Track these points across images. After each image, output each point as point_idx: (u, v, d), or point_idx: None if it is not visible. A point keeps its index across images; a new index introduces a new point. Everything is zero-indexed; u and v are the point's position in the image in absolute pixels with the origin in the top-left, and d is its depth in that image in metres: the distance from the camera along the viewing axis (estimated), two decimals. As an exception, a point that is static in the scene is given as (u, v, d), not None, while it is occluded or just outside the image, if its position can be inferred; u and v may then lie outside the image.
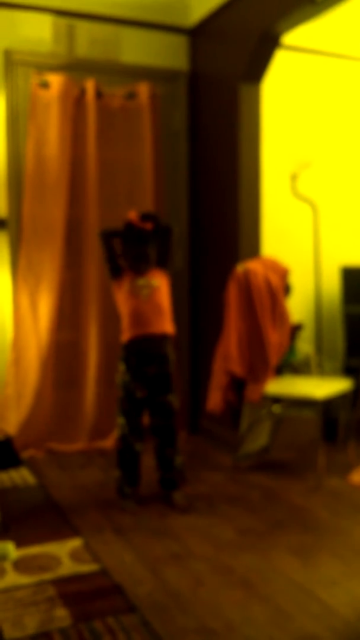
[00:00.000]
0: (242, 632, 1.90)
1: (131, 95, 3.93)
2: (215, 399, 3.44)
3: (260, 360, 3.39)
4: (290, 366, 3.76)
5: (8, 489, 3.14)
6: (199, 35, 4.05)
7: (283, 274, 3.59)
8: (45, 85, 3.70)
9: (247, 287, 3.35)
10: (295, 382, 3.52)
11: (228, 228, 3.82)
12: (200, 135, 4.12)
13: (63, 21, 3.79)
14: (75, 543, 2.50)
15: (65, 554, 2.40)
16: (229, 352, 3.35)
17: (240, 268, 3.37)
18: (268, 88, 3.85)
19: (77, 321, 3.89)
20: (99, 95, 3.84)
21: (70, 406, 3.88)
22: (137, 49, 4.01)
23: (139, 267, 2.87)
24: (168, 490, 2.97)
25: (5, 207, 3.73)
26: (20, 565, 2.31)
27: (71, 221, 3.82)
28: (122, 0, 3.88)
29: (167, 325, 2.91)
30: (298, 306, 4.12)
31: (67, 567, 2.29)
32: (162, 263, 2.94)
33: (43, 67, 3.73)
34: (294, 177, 4.15)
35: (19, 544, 2.45)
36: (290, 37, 3.62)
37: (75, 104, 3.78)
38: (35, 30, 3.73)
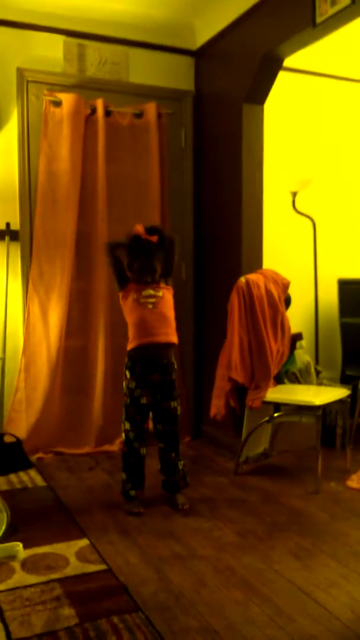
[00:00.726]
0: (243, 632, 1.87)
1: (139, 114, 3.94)
2: (217, 406, 3.43)
3: (262, 369, 3.37)
4: (290, 374, 3.73)
5: (17, 490, 3.11)
6: (204, 57, 4.06)
7: (284, 285, 3.58)
8: (57, 103, 3.71)
9: (249, 298, 3.34)
10: (295, 389, 3.50)
11: (231, 241, 3.81)
12: (205, 153, 4.12)
13: (74, 42, 3.81)
14: (81, 543, 2.47)
15: (72, 554, 2.37)
16: (231, 361, 3.33)
17: (242, 280, 3.35)
18: (270, 108, 3.85)
19: (85, 329, 3.88)
20: (108, 113, 3.85)
21: (78, 411, 3.86)
22: (145, 70, 4.02)
23: (145, 278, 2.84)
24: (171, 493, 2.95)
25: (18, 219, 3.73)
26: (28, 565, 2.28)
27: (81, 234, 3.82)
28: (130, 22, 3.89)
29: (171, 334, 2.88)
30: (298, 317, 4.11)
31: (74, 567, 2.27)
32: (167, 274, 2.92)
33: (54, 86, 3.74)
34: (294, 194, 4.15)
35: (27, 544, 2.43)
36: (292, 60, 3.62)
37: (85, 122, 3.79)
38: (47, 50, 3.74)
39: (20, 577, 2.19)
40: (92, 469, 3.47)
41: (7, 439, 3.50)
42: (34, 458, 3.59)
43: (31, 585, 2.13)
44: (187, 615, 1.96)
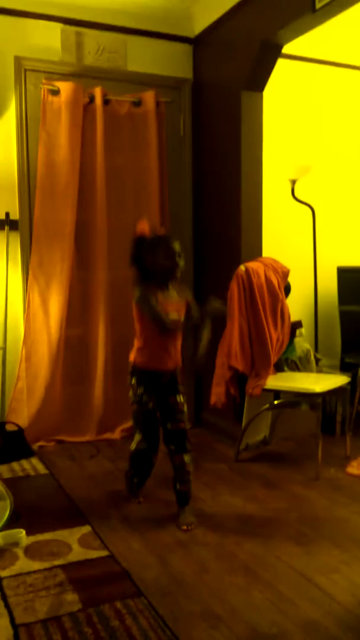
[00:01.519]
0: (245, 617, 1.88)
1: (137, 103, 3.91)
2: (217, 394, 3.42)
3: (261, 357, 3.37)
4: (290, 362, 3.73)
5: (20, 478, 3.12)
6: (203, 44, 4.03)
7: (283, 273, 3.57)
8: (55, 91, 3.68)
9: (248, 286, 3.33)
10: (295, 377, 3.50)
11: (230, 229, 3.79)
12: (203, 140, 4.09)
13: (72, 30, 3.77)
14: (84, 530, 2.48)
15: (74, 541, 2.38)
16: (231, 349, 3.33)
17: (242, 268, 3.34)
18: (269, 95, 3.82)
19: (86, 318, 3.87)
20: (106, 102, 3.82)
21: (79, 399, 3.86)
22: (143, 58, 3.98)
23: (168, 280, 2.62)
24: (180, 505, 2.67)
25: (17, 209, 3.71)
26: (31, 551, 2.29)
27: (80, 222, 3.80)
28: (128, 10, 3.86)
29: (179, 360, 2.70)
30: (297, 305, 4.10)
31: (77, 554, 2.28)
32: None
33: (52, 74, 3.71)
34: (293, 182, 4.13)
35: (30, 531, 2.43)
36: (291, 46, 3.59)
37: (84, 110, 3.76)
38: (44, 39, 3.71)
39: (23, 564, 2.20)
40: (94, 456, 3.48)
41: (9, 427, 3.50)
42: (35, 446, 3.59)
43: (34, 572, 2.14)
44: (189, 600, 1.97)
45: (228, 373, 3.35)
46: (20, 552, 2.28)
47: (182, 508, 2.63)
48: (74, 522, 2.56)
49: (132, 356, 2.70)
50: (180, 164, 4.12)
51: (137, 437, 2.77)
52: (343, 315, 4.32)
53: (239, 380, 3.40)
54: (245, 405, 3.39)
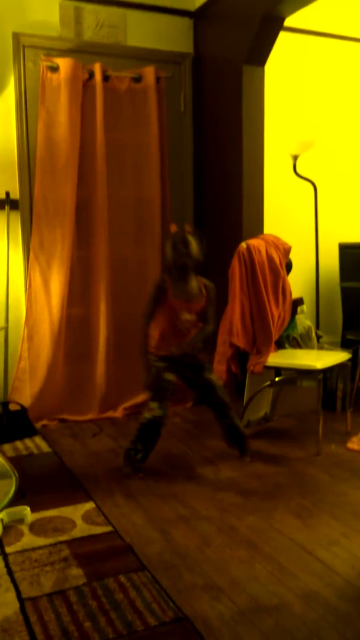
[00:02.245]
0: (247, 589, 1.91)
1: (137, 78, 3.87)
2: (219, 371, 3.44)
3: (263, 334, 3.38)
4: (291, 339, 3.75)
5: (23, 456, 3.16)
6: (203, 18, 3.97)
7: (285, 250, 3.56)
8: (54, 68, 3.65)
9: (250, 263, 3.33)
10: (296, 354, 3.52)
11: (232, 206, 3.78)
12: (204, 116, 4.06)
13: (70, 4, 3.72)
14: (88, 506, 2.52)
15: (78, 517, 2.42)
16: (233, 326, 3.34)
17: (243, 245, 3.34)
18: (271, 69, 3.78)
19: (87, 297, 3.88)
20: (106, 78, 3.79)
21: (81, 378, 3.88)
22: (143, 33, 3.94)
23: (183, 272, 2.80)
24: (236, 447, 3.07)
25: (17, 188, 3.70)
26: (36, 528, 2.33)
27: (81, 201, 3.79)
28: (127, -16, 3.80)
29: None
30: (299, 282, 4.10)
31: (81, 529, 2.31)
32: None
33: (51, 51, 3.68)
34: (295, 157, 4.10)
35: (35, 508, 2.47)
36: (293, 19, 3.54)
37: (83, 87, 3.73)
38: (42, 14, 3.66)
39: (28, 540, 2.24)
40: (97, 434, 3.52)
41: (12, 407, 3.53)
42: (38, 425, 3.63)
43: (39, 547, 2.18)
44: (192, 573, 2.01)
45: (229, 350, 3.37)
46: (25, 529, 2.32)
47: (238, 445, 3.04)
48: (78, 498, 2.60)
49: (151, 346, 2.91)
50: (180, 140, 4.09)
51: (154, 405, 2.86)
52: (344, 291, 4.33)
53: (240, 357, 3.41)
54: (247, 382, 3.41)
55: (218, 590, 1.91)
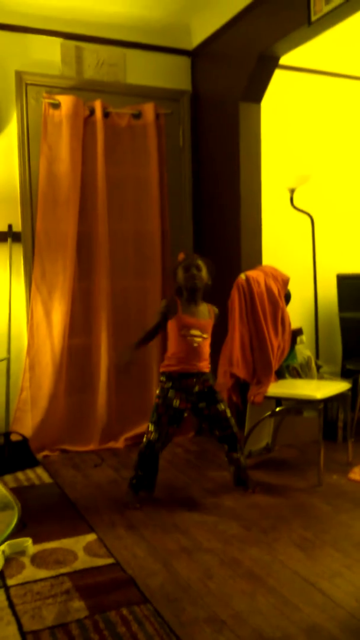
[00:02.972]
0: (250, 622, 1.90)
1: (137, 115, 3.97)
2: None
3: (263, 364, 3.40)
4: (291, 369, 3.76)
5: (25, 487, 3.15)
6: (201, 56, 4.09)
7: (283, 281, 3.60)
8: (55, 105, 3.74)
9: (249, 294, 3.37)
10: (296, 384, 3.53)
11: (230, 239, 3.83)
12: (203, 151, 4.14)
13: (71, 44, 3.83)
14: (89, 538, 2.51)
15: (80, 549, 2.41)
16: (233, 357, 3.36)
17: (242, 276, 3.38)
18: (267, 106, 3.88)
19: (88, 328, 3.91)
20: (106, 114, 3.88)
21: (83, 409, 3.89)
22: (142, 71, 4.04)
23: (193, 295, 2.91)
24: (242, 485, 3.05)
25: (20, 221, 3.76)
26: (38, 560, 2.31)
27: (82, 234, 3.85)
28: (126, 24, 3.92)
29: (204, 366, 2.96)
30: (298, 312, 4.13)
31: (83, 561, 2.30)
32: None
33: (53, 88, 3.77)
34: (292, 191, 4.17)
35: (36, 539, 2.46)
36: (288, 58, 3.64)
37: (84, 123, 3.82)
38: (44, 53, 3.77)
39: (30, 572, 2.22)
40: (98, 465, 3.51)
41: (14, 437, 3.53)
42: (40, 456, 3.62)
43: (41, 580, 2.16)
44: (194, 606, 1.99)
45: (230, 381, 3.38)
46: (26, 561, 2.31)
47: (243, 481, 3.03)
48: (79, 530, 2.59)
49: (162, 365, 2.98)
50: (180, 175, 4.17)
51: (151, 427, 2.89)
52: (343, 322, 4.36)
53: (240, 388, 3.43)
54: (247, 412, 3.42)
55: (221, 624, 1.89)
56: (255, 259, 3.78)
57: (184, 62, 4.17)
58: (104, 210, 3.86)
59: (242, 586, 2.12)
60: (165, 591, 2.09)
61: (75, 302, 3.84)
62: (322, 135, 4.51)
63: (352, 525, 2.61)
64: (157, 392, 2.93)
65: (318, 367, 3.94)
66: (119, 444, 3.84)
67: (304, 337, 3.90)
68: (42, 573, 2.21)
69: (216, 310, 3.03)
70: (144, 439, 2.91)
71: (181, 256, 3.00)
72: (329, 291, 4.38)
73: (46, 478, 3.28)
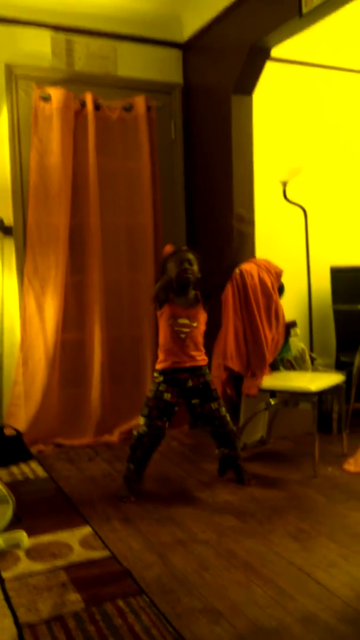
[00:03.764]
0: (246, 612, 1.90)
1: (128, 108, 3.95)
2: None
3: (257, 357, 3.41)
4: (285, 362, 3.77)
5: (19, 481, 3.14)
6: (192, 49, 4.07)
7: (277, 274, 3.60)
8: (46, 98, 3.72)
9: (243, 287, 3.37)
10: (291, 376, 3.53)
11: (223, 232, 3.83)
12: (194, 144, 4.13)
13: (61, 36, 3.81)
14: (85, 531, 2.51)
15: (75, 542, 2.41)
16: (227, 350, 3.36)
17: (236, 269, 3.38)
18: (259, 98, 3.87)
19: (81, 322, 3.90)
20: (97, 107, 3.86)
21: (76, 403, 3.89)
22: (133, 63, 4.03)
23: (184, 287, 2.91)
24: (239, 481, 3.06)
25: (11, 215, 3.74)
26: (33, 553, 2.31)
27: (74, 227, 3.83)
28: (117, 16, 3.90)
29: (200, 358, 2.96)
30: (291, 305, 4.13)
31: (78, 554, 2.30)
32: (206, 298, 2.99)
33: (43, 81, 3.75)
34: (284, 183, 4.17)
35: (32, 533, 2.46)
36: (280, 50, 3.64)
37: (75, 116, 3.80)
38: (35, 45, 3.75)
39: (25, 565, 2.22)
40: (92, 459, 3.51)
41: (8, 431, 3.53)
42: (34, 450, 3.61)
43: (37, 573, 2.16)
44: (190, 597, 2.00)
45: (224, 374, 3.38)
46: (22, 554, 2.31)
47: (239, 474, 3.04)
48: (74, 523, 2.59)
49: (156, 362, 2.98)
50: (171, 168, 4.16)
51: (141, 420, 2.90)
52: (337, 314, 4.37)
53: (235, 380, 3.43)
54: (242, 405, 3.42)
55: (217, 614, 1.90)
56: (249, 252, 3.77)
57: (176, 54, 4.15)
58: (95, 203, 3.84)
59: (237, 577, 2.12)
60: (161, 583, 2.09)
61: (67, 295, 3.83)
62: (315, 128, 4.51)
63: (347, 516, 2.63)
64: (150, 388, 2.94)
65: (312, 360, 3.95)
66: (114, 437, 3.84)
67: (298, 330, 3.91)
68: (38, 566, 2.21)
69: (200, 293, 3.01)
70: (134, 432, 2.92)
71: (168, 248, 2.99)
72: (323, 284, 4.39)
73: (40, 472, 3.28)
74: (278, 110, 4.34)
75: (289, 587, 2.06)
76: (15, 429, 3.56)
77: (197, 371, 2.93)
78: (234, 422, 3.49)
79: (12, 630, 1.82)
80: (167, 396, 2.88)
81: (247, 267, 3.43)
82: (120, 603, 1.95)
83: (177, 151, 4.16)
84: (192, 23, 4.00)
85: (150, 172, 3.98)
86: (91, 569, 2.18)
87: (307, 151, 4.42)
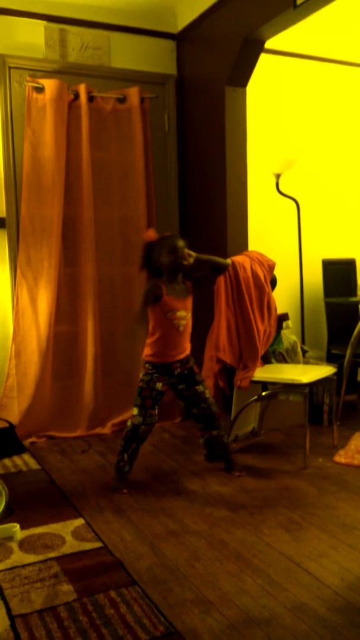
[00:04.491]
0: (237, 602, 1.92)
1: (122, 99, 3.93)
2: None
3: (249, 349, 3.42)
4: (277, 354, 3.78)
5: (12, 474, 3.15)
6: (186, 40, 4.05)
7: (269, 267, 3.61)
8: (39, 89, 3.69)
9: (235, 279, 3.37)
10: (282, 368, 3.55)
11: (216, 224, 3.83)
12: (188, 136, 4.12)
13: (55, 27, 3.78)
14: (77, 523, 2.51)
15: (68, 533, 2.41)
16: (219, 342, 3.36)
17: (228, 261, 3.37)
18: (253, 90, 3.86)
19: (74, 314, 3.89)
20: (91, 98, 3.84)
21: (69, 395, 3.89)
22: (127, 54, 4.00)
23: (175, 275, 2.88)
24: (214, 460, 3.12)
25: (4, 206, 3.72)
26: (26, 545, 2.32)
27: (67, 219, 3.82)
28: (111, 7, 3.87)
29: (188, 348, 2.99)
30: (283, 297, 4.15)
31: (71, 546, 2.31)
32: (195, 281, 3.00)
33: (36, 72, 3.72)
34: (277, 176, 4.17)
35: (24, 525, 2.47)
36: (274, 42, 3.63)
37: (68, 107, 3.78)
38: (28, 36, 3.72)
39: (18, 557, 2.23)
40: (85, 451, 3.51)
41: (0, 424, 3.52)
42: (27, 442, 3.62)
43: (29, 564, 2.17)
44: (182, 588, 2.01)
45: (216, 366, 3.39)
46: (14, 546, 2.31)
47: (228, 462, 3.07)
48: (67, 515, 2.60)
49: (144, 351, 2.96)
50: (165, 159, 4.15)
51: (134, 411, 2.91)
52: (328, 307, 4.38)
53: (227, 372, 3.44)
54: (234, 397, 3.43)
55: (208, 604, 1.91)
56: (241, 244, 3.78)
57: (169, 45, 4.13)
58: (89, 195, 3.83)
59: (228, 567, 2.14)
60: (153, 573, 2.11)
61: (61, 288, 3.82)
62: (308, 120, 4.51)
63: (337, 507, 2.65)
64: (141, 376, 2.94)
65: (304, 352, 3.96)
66: (106, 429, 3.85)
67: (289, 322, 3.92)
68: (31, 558, 2.22)
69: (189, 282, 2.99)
70: (128, 423, 2.93)
71: (150, 233, 2.90)
72: (315, 276, 4.40)
73: (33, 464, 3.28)
74: (272, 102, 4.33)
75: (280, 577, 2.07)
76: (8, 422, 3.55)
77: (184, 359, 2.96)
78: (226, 415, 3.51)
79: (5, 621, 1.82)
80: (159, 385, 2.91)
81: (239, 259, 3.43)
82: (113, 594, 1.96)
83: (171, 143, 4.14)
84: (186, 14, 3.98)
85: (143, 164, 3.96)
86: (83, 560, 2.19)
87: (301, 144, 4.42)
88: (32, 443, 3.65)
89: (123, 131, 3.95)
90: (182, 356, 2.94)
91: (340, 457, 3.25)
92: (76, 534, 2.41)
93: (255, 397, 3.41)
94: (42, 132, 3.71)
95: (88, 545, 2.31)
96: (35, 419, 3.72)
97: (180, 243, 2.86)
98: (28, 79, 3.69)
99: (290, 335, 3.88)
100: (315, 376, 3.24)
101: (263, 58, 3.69)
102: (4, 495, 2.61)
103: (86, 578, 2.06)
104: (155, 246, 2.86)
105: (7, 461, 3.33)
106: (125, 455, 2.93)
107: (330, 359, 4.24)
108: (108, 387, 3.93)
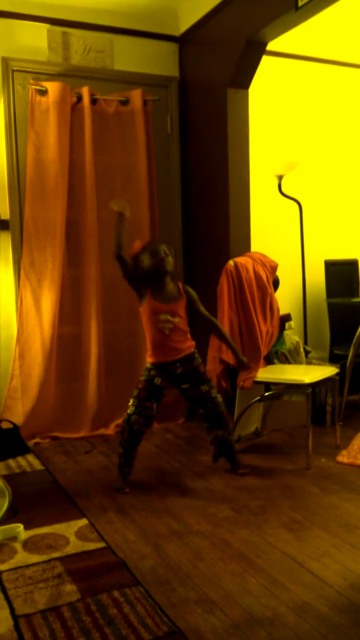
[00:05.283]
0: (240, 602, 1.92)
1: (125, 101, 3.93)
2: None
3: (252, 350, 3.41)
4: (279, 355, 3.77)
5: (16, 474, 3.15)
6: (188, 42, 4.06)
7: (271, 268, 3.61)
8: (42, 92, 3.70)
9: (238, 280, 3.37)
10: (285, 369, 3.54)
11: (219, 225, 3.83)
12: (191, 138, 4.12)
13: (58, 30, 3.79)
14: (81, 523, 2.51)
15: (71, 534, 2.41)
16: (222, 343, 3.36)
17: (231, 263, 3.38)
18: (255, 92, 3.86)
19: (78, 316, 3.90)
20: (93, 101, 3.84)
21: (73, 396, 3.89)
22: (130, 57, 4.01)
23: (160, 279, 2.88)
24: (233, 468, 3.10)
25: (8, 209, 3.73)
26: (30, 545, 2.32)
27: (70, 221, 3.82)
28: (114, 9, 3.88)
29: (186, 347, 2.94)
30: (286, 298, 4.14)
31: (74, 546, 2.31)
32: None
33: (40, 75, 3.73)
34: (280, 177, 4.17)
35: (28, 525, 2.47)
36: (276, 43, 3.62)
37: (71, 110, 3.78)
38: (31, 39, 3.72)
39: (22, 557, 2.23)
40: (89, 452, 3.51)
41: (4, 425, 3.52)
42: (31, 443, 3.62)
43: (33, 564, 2.17)
44: (185, 588, 2.01)
45: (219, 366, 3.39)
46: (18, 546, 2.31)
47: (233, 462, 3.07)
48: (71, 515, 2.59)
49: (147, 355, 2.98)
50: (168, 161, 4.14)
51: (129, 402, 2.92)
52: (331, 307, 4.38)
53: (230, 373, 3.44)
54: (237, 397, 3.43)
55: (211, 604, 1.91)
56: (244, 245, 3.78)
57: (172, 48, 4.13)
58: (92, 197, 3.83)
59: (232, 567, 2.14)
60: (156, 573, 2.10)
61: (64, 289, 3.82)
62: (311, 122, 4.50)
63: (340, 507, 2.64)
64: (143, 372, 2.96)
65: (306, 353, 3.96)
66: (110, 430, 3.84)
67: (292, 323, 3.92)
68: (34, 558, 2.22)
69: (188, 287, 2.98)
70: (124, 415, 2.94)
71: (137, 244, 2.93)
72: (317, 277, 4.40)
73: (37, 465, 3.28)
74: (274, 104, 4.33)
75: (283, 577, 2.07)
76: (12, 422, 3.56)
77: (186, 359, 2.93)
78: (230, 415, 3.50)
79: (8, 621, 1.82)
80: (158, 380, 2.91)
81: (242, 260, 3.43)
82: (116, 594, 1.96)
83: (173, 145, 4.14)
84: (188, 16, 3.98)
85: (146, 166, 3.97)
86: (87, 560, 2.19)
87: (303, 145, 4.41)
88: (36, 444, 3.65)
89: (126, 133, 3.95)
90: (180, 356, 2.91)
91: (343, 457, 3.24)
92: (80, 534, 2.41)
93: (258, 397, 3.40)
94: (45, 135, 3.72)
95: (92, 546, 2.31)
96: (39, 420, 3.73)
97: (162, 247, 2.87)
98: (31, 81, 3.69)
99: (292, 335, 3.87)
100: (317, 376, 3.23)
101: (265, 60, 3.68)
102: (8, 496, 2.61)
103: (90, 578, 2.06)
104: (138, 254, 2.89)
105: (11, 462, 3.34)
106: (120, 448, 2.93)
107: (332, 359, 4.24)
108: (111, 388, 3.93)
